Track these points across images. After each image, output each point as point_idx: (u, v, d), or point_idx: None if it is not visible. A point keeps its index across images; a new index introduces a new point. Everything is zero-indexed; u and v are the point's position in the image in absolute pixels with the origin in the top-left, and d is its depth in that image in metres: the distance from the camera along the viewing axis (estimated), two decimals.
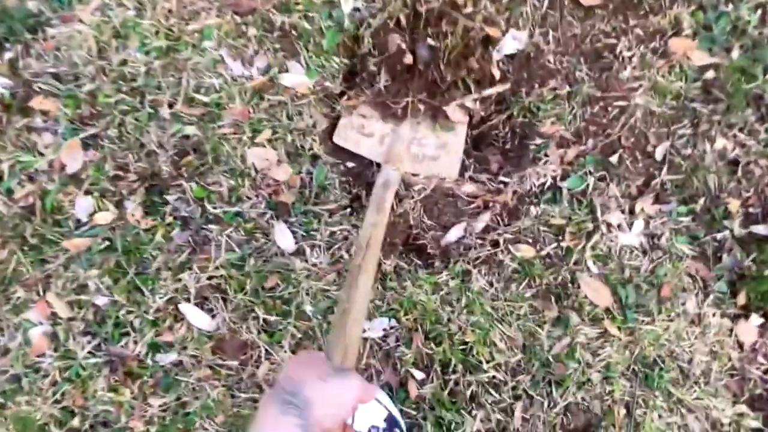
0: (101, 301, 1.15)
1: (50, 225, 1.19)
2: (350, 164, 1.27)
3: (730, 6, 1.35)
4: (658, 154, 1.26)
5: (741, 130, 1.30)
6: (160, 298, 1.13)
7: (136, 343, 1.12)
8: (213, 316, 1.13)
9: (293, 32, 1.28)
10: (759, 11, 1.35)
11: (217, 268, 1.14)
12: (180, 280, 1.14)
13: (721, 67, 1.30)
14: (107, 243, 1.18)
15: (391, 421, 1.01)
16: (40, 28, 1.29)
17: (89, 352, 1.12)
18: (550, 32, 1.31)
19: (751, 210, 1.26)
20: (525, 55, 1.30)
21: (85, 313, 1.14)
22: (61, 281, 1.16)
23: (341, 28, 1.29)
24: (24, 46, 1.28)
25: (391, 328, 1.12)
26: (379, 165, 1.22)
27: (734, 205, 1.25)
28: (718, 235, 1.22)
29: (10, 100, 1.25)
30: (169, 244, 1.18)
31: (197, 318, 1.12)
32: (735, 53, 1.32)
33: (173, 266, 1.15)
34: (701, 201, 1.24)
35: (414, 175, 1.22)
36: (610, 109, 1.27)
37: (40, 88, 1.26)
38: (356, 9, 1.29)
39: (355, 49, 1.29)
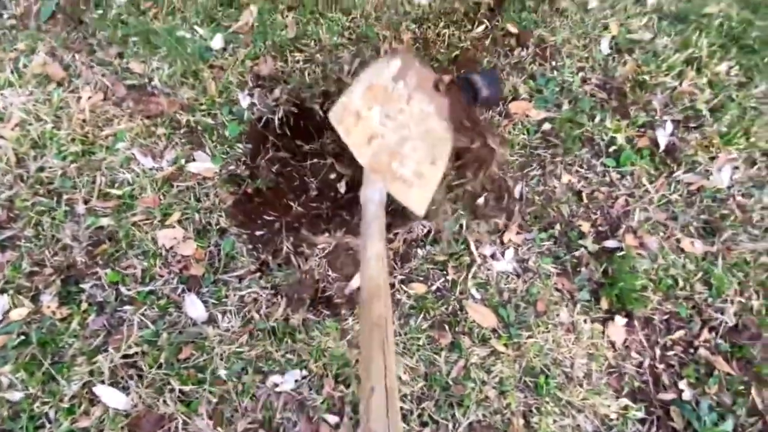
0: (15, 396, 1.09)
1: None
2: (259, 232, 1.33)
3: (556, 72, 1.60)
4: (516, 193, 1.41)
5: (581, 166, 1.49)
6: (75, 384, 1.09)
7: None
8: (128, 394, 1.09)
9: (198, 127, 1.38)
10: (579, 74, 1.61)
11: (130, 346, 1.13)
12: (95, 362, 1.11)
13: (555, 120, 1.52)
14: (22, 338, 1.14)
15: None
16: None
17: None
18: None
19: (600, 228, 1.42)
20: None
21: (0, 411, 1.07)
22: None
23: (242, 121, 1.40)
24: None
25: (303, 378, 1.13)
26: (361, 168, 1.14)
27: (585, 226, 1.40)
28: (576, 253, 1.36)
29: None
30: (84, 330, 1.16)
31: (112, 398, 1.08)
32: (564, 107, 1.55)
33: (88, 351, 1.13)
34: (558, 227, 1.39)
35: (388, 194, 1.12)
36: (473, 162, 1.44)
37: None
38: (253, 104, 1.42)
39: (260, 139, 1.40)
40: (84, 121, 1.36)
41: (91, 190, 1.29)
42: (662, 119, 1.58)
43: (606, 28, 1.71)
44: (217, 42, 1.50)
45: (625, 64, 1.65)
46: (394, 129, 1.16)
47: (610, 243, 1.39)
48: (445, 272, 1.28)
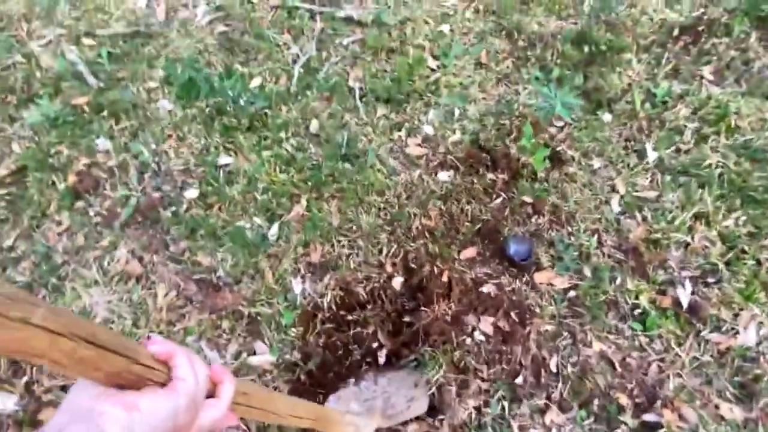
0: None
1: None
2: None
3: (572, 237, 1.67)
4: (552, 367, 1.42)
5: (609, 332, 1.50)
6: None
7: None
8: None
9: (258, 317, 1.47)
10: (595, 236, 1.67)
11: None
12: None
13: (579, 287, 1.56)
14: None
15: None
16: None
17: None
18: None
19: (637, 400, 1.39)
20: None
21: None
22: None
23: (295, 307, 1.49)
24: (38, 368, 1.40)
25: None
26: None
27: (623, 399, 1.38)
28: (618, 431, 1.32)
29: (22, 416, 1.32)
30: None
31: None
32: (586, 272, 1.60)
33: None
34: (596, 401, 1.37)
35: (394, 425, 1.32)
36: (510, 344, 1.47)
37: (48, 401, 1.34)
38: (305, 289, 1.52)
39: (309, 321, 1.48)
40: (160, 318, 1.47)
41: None
42: (681, 277, 1.60)
43: (614, 188, 1.80)
44: (273, 231, 1.64)
45: (636, 223, 1.71)
46: (375, 401, 1.35)
47: (650, 417, 1.35)
48: None
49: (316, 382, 1.42)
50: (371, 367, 1.45)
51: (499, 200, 1.74)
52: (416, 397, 1.33)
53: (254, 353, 1.42)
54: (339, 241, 1.63)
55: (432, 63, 2.12)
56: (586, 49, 2.14)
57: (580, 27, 2.21)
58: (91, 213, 1.71)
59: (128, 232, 1.64)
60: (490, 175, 1.79)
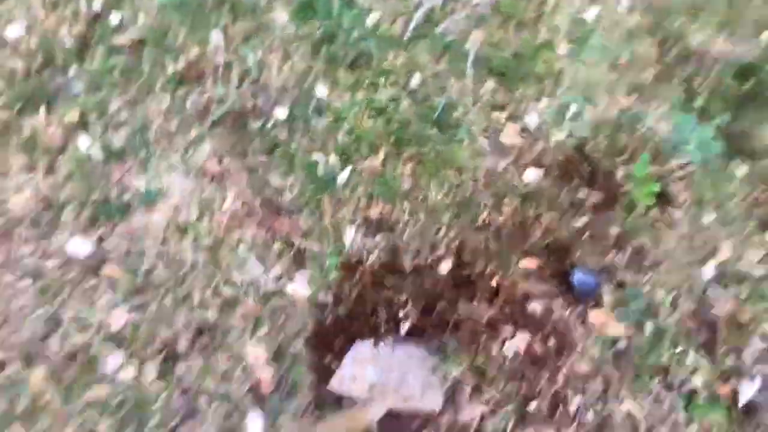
0: None
1: (85, 370, 1.35)
2: (326, 361, 1.40)
3: (648, 287, 1.51)
4: (572, 407, 1.34)
5: (647, 396, 1.38)
6: None
7: None
8: None
9: (306, 253, 1.51)
10: (672, 294, 1.50)
11: None
12: None
13: (633, 341, 1.43)
14: (122, 395, 1.32)
15: None
16: (127, 214, 1.57)
17: None
18: None
19: None
20: None
21: None
22: (79, 419, 1.29)
23: (341, 254, 1.51)
24: (112, 226, 1.55)
25: None
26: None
27: None
28: None
29: (90, 263, 1.49)
30: (167, 406, 1.31)
31: None
32: (647, 329, 1.45)
33: (165, 429, 1.27)
34: None
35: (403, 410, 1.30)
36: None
37: (113, 258, 1.50)
38: (355, 242, 1.52)
39: (350, 272, 1.50)
40: (222, 220, 1.55)
41: (208, 283, 1.46)
42: (753, 371, 1.41)
43: (715, 251, 1.58)
44: (343, 175, 1.63)
45: (726, 298, 1.50)
46: (390, 373, 1.34)
47: None
48: None
49: (340, 328, 1.46)
50: (393, 334, 1.46)
51: (582, 220, 1.58)
52: (432, 384, 1.32)
53: (293, 282, 1.47)
54: (402, 207, 1.58)
55: (563, 49, 1.88)
56: (748, 85, 1.79)
57: (752, 58, 1.84)
58: (188, 103, 1.78)
59: (216, 131, 1.70)
60: (583, 191, 1.62)
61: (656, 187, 1.55)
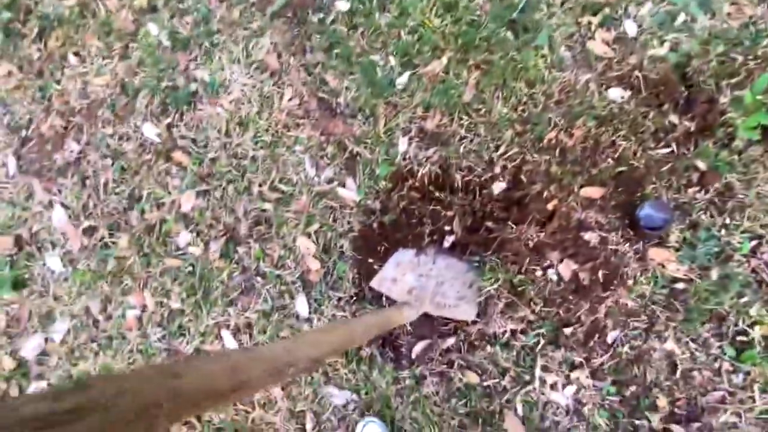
0: (175, 306, 1.47)
1: (160, 243, 1.53)
2: (370, 260, 1.47)
3: (724, 231, 1.36)
4: (609, 338, 1.33)
5: (694, 340, 1.32)
6: (212, 319, 1.43)
7: (188, 344, 1.43)
8: (240, 344, 1.40)
9: (358, 157, 1.50)
10: (752, 242, 1.35)
11: (254, 312, 1.41)
12: (227, 311, 1.43)
13: (694, 283, 1.33)
14: (191, 267, 1.49)
15: None
16: (193, 104, 1.62)
17: (157, 338, 1.45)
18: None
19: (677, 410, 1.30)
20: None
21: (162, 311, 1.47)
22: (155, 283, 1.50)
23: (393, 163, 1.48)
24: (180, 114, 1.62)
25: (352, 400, 1.33)
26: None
27: (663, 401, 1.29)
28: (637, 422, 1.28)
29: (161, 148, 1.60)
30: (229, 282, 1.47)
31: (230, 342, 1.40)
32: (713, 274, 1.34)
33: (225, 300, 1.44)
34: (632, 388, 1.30)
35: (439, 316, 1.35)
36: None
37: (181, 146, 1.59)
38: (407, 152, 1.48)
39: (399, 182, 1.48)
40: (279, 119, 1.56)
41: (266, 178, 1.53)
42: None
43: None
44: (402, 79, 1.53)
45: None
46: (429, 280, 1.37)
47: (677, 429, 1.27)
48: (501, 377, 1.32)
49: (384, 235, 1.50)
50: (435, 246, 1.47)
51: (665, 151, 1.40)
52: (467, 297, 1.35)
53: (344, 186, 1.49)
54: (461, 119, 1.49)
55: None
56: None
57: None
58: None
59: (276, 24, 1.64)
60: (673, 117, 1.41)
61: (766, 119, 1.30)
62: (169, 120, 1.61)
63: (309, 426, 1.34)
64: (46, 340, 1.54)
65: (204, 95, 1.63)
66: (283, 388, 1.37)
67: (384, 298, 1.42)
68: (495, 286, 1.36)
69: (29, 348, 1.53)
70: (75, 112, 1.67)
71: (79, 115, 1.67)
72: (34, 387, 1.52)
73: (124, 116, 1.64)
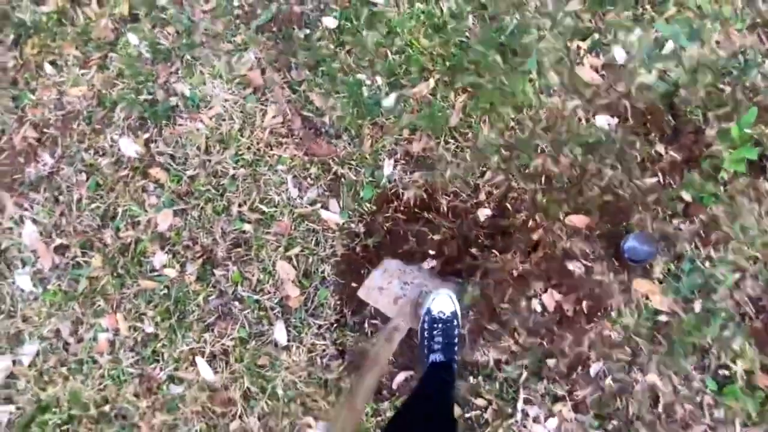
0: (149, 330, 1.41)
1: (135, 263, 1.46)
2: (354, 285, 1.42)
3: (708, 264, 1.34)
4: (592, 371, 1.30)
5: (676, 373, 1.31)
6: (186, 345, 1.37)
7: (161, 370, 1.37)
8: (215, 372, 1.35)
9: (342, 179, 1.45)
10: (736, 275, 1.33)
11: (230, 335, 1.36)
12: (203, 337, 1.37)
13: (677, 317, 1.31)
14: (166, 290, 1.43)
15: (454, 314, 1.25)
16: (172, 118, 1.56)
17: (130, 363, 1.39)
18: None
19: None
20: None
21: (135, 335, 1.41)
22: (129, 306, 1.43)
23: (378, 186, 1.44)
24: (158, 129, 1.55)
25: None
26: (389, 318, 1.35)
27: None
28: None
29: (138, 164, 1.54)
30: (205, 306, 1.41)
31: (204, 370, 1.35)
32: (696, 307, 1.32)
33: (201, 325, 1.39)
34: (614, 422, 1.28)
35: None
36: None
37: (159, 162, 1.53)
38: (393, 175, 1.44)
39: (384, 205, 1.44)
40: (262, 137, 1.50)
41: (246, 198, 1.47)
42: None
43: None
44: (389, 101, 1.49)
45: None
46: (413, 288, 1.34)
47: None
48: (484, 410, 1.28)
49: (368, 258, 1.45)
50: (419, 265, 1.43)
51: (652, 181, 1.38)
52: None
53: (327, 208, 1.44)
54: (447, 143, 1.45)
55: None
56: None
57: None
58: (236, 3, 1.65)
59: (261, 38, 1.58)
60: (660, 147, 1.39)
61: (753, 153, 1.29)
62: (147, 135, 1.55)
63: None
64: (14, 362, 1.46)
65: (184, 110, 1.57)
66: (260, 419, 1.32)
67: (366, 323, 1.37)
68: (479, 315, 1.33)
69: None
70: (49, 123, 1.60)
71: (54, 126, 1.59)
72: (2, 410, 1.44)
73: (101, 129, 1.57)
